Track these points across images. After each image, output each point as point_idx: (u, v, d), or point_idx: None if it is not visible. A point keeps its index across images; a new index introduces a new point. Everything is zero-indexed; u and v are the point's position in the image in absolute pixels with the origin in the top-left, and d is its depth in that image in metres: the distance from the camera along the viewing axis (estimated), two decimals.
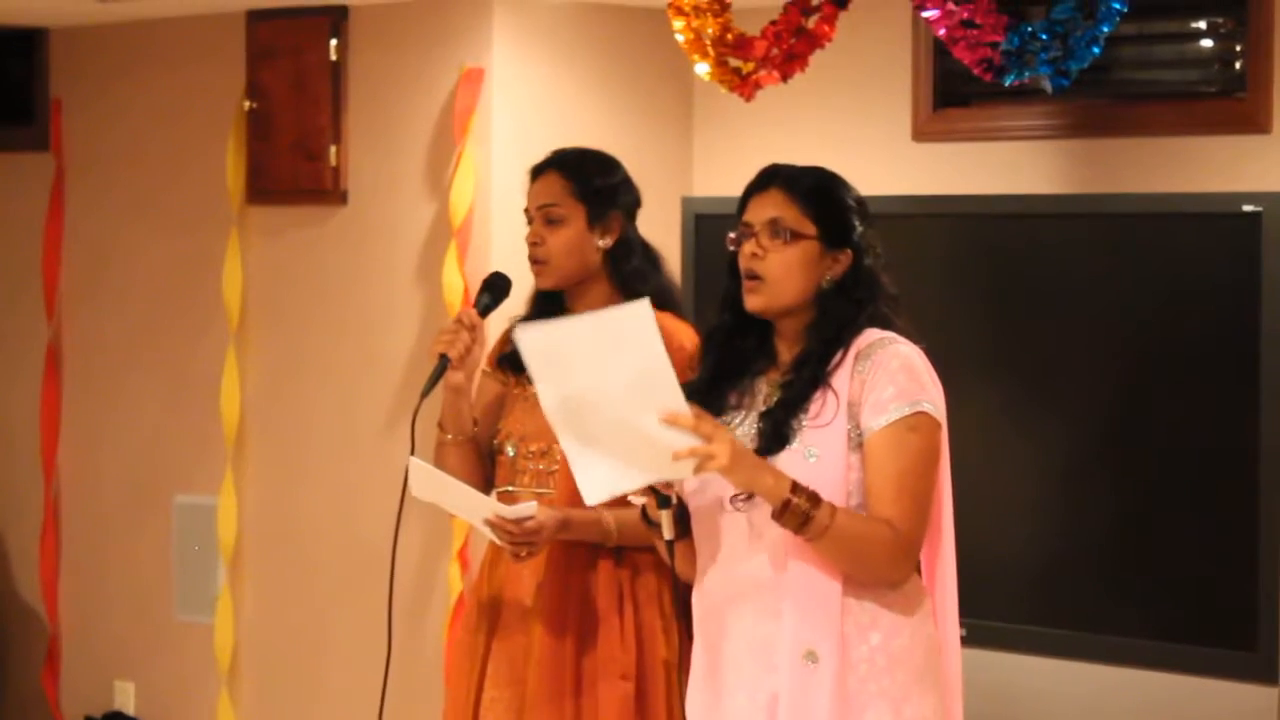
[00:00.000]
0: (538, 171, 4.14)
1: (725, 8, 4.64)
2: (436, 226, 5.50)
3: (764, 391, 3.48)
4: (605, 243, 4.06)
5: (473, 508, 3.94)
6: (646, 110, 5.67)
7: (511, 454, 4.09)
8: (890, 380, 3.36)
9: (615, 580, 4.01)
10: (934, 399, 3.40)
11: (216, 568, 6.00)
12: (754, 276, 3.44)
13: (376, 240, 5.66)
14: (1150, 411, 4.59)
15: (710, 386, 3.49)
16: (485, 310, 4.10)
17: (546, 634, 3.98)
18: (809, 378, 3.40)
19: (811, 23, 4.53)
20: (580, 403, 3.27)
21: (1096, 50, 4.23)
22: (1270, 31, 4.76)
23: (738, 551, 3.42)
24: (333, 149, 5.68)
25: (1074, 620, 4.64)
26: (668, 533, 3.43)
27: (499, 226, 5.35)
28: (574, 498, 3.97)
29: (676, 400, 3.23)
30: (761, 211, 3.46)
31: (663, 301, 3.83)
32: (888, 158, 5.34)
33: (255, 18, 5.83)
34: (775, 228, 3.44)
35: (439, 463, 4.05)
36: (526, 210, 4.12)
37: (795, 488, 3.27)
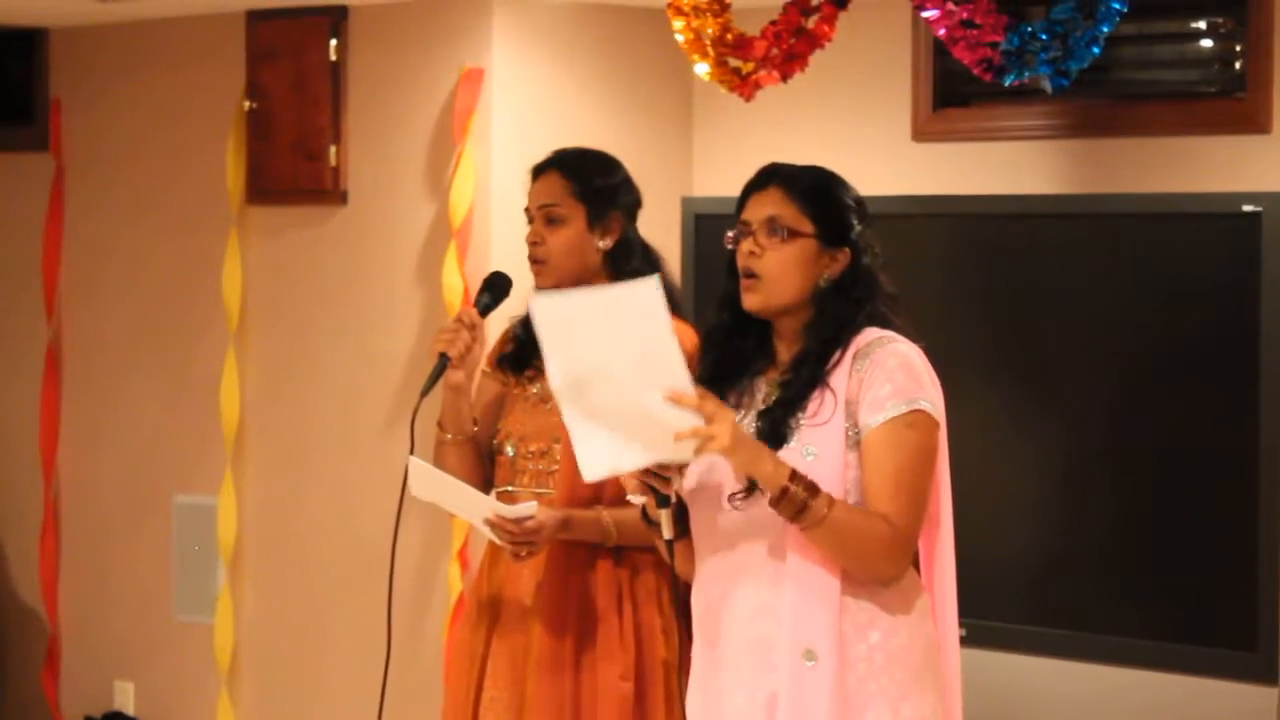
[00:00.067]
0: (539, 171, 4.14)
1: (725, 8, 4.64)
2: (436, 226, 5.50)
3: (763, 391, 3.47)
4: (605, 243, 4.06)
5: (473, 507, 3.94)
6: (646, 110, 5.67)
7: (511, 454, 4.09)
8: (888, 378, 3.36)
9: (614, 580, 4.01)
10: (932, 398, 3.40)
11: (216, 568, 6.00)
12: (751, 275, 3.44)
13: (376, 240, 5.66)
14: (1150, 412, 4.59)
15: (709, 386, 3.48)
16: (485, 310, 4.10)
17: (546, 633, 3.98)
18: (807, 377, 3.40)
19: (811, 23, 4.53)
20: (586, 376, 3.26)
21: (1096, 50, 4.23)
22: (1270, 31, 4.76)
23: (736, 551, 3.42)
24: (333, 149, 5.68)
25: (1074, 620, 4.64)
26: (667, 532, 3.43)
27: (499, 226, 5.35)
28: (573, 498, 3.98)
29: (682, 379, 3.23)
30: (760, 210, 3.46)
31: None
32: (887, 158, 5.34)
33: (255, 18, 5.83)
34: (773, 226, 3.44)
35: (438, 462, 4.06)
36: (527, 210, 4.12)
37: (794, 476, 3.27)
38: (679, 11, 4.62)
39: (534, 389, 4.11)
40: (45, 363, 6.39)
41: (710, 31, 4.60)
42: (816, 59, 4.58)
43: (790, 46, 4.52)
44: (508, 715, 4.03)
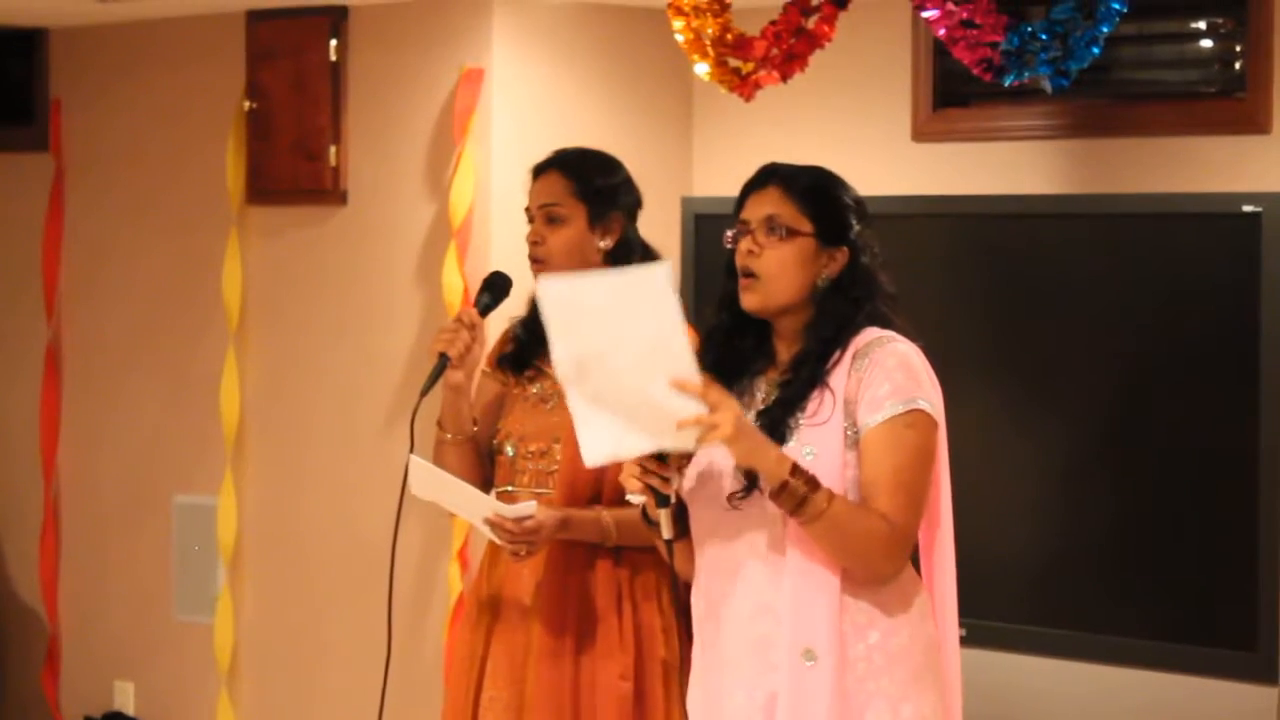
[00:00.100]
0: (539, 171, 4.14)
1: (725, 8, 4.64)
2: (436, 226, 5.50)
3: (763, 391, 3.47)
4: (606, 243, 4.06)
5: (472, 507, 3.94)
6: (646, 110, 5.67)
7: (511, 454, 4.09)
8: (887, 377, 3.36)
9: (614, 580, 4.01)
10: (931, 397, 3.40)
11: (216, 568, 6.00)
12: (749, 274, 3.44)
13: (376, 240, 5.66)
14: (1150, 412, 4.59)
15: None
16: (485, 310, 4.10)
17: (545, 633, 3.98)
18: (807, 377, 3.40)
19: (811, 23, 4.53)
20: (592, 360, 3.24)
21: (1096, 50, 4.23)
22: (1270, 31, 4.76)
23: (736, 550, 3.42)
24: (332, 149, 5.68)
25: (1074, 620, 4.64)
26: (667, 532, 3.42)
27: (499, 226, 5.35)
28: (573, 497, 3.98)
29: (688, 366, 3.22)
30: (758, 209, 3.46)
31: None
32: (887, 158, 5.34)
33: (255, 18, 5.83)
34: (771, 224, 3.44)
35: (438, 462, 4.06)
36: (528, 209, 4.12)
37: (795, 469, 3.27)
38: (679, 11, 4.62)
39: (534, 389, 4.11)
40: (45, 363, 6.39)
41: (710, 31, 4.60)
42: (816, 59, 4.58)
43: (790, 46, 4.52)
44: (507, 715, 4.03)
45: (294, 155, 5.76)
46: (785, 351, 3.48)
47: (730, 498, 3.40)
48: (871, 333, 3.42)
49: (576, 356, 3.26)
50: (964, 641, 3.60)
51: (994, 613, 4.62)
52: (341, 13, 5.66)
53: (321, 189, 5.72)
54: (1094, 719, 4.60)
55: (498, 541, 3.94)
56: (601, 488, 3.98)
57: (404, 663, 5.26)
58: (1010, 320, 4.78)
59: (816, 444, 3.35)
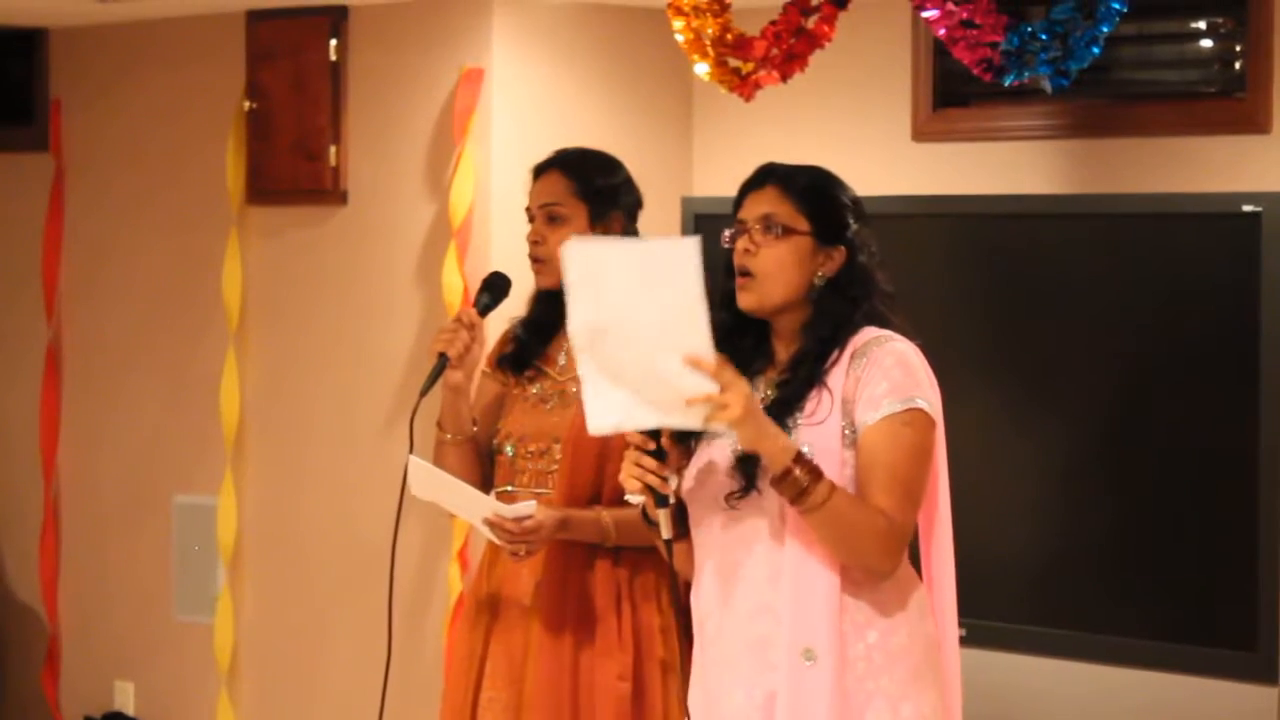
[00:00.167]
0: (540, 170, 4.14)
1: (725, 8, 4.64)
2: (436, 226, 5.50)
3: (761, 391, 3.47)
4: None
5: (472, 507, 3.94)
6: (646, 110, 5.67)
7: (510, 454, 4.09)
8: (885, 376, 3.36)
9: (613, 580, 4.01)
10: (929, 396, 3.39)
11: (216, 568, 6.00)
12: (746, 273, 3.44)
13: (376, 240, 5.66)
14: (1150, 412, 4.59)
15: None
16: (485, 310, 4.10)
17: (544, 633, 3.98)
18: (805, 377, 3.40)
19: (811, 23, 4.53)
20: (607, 328, 3.20)
21: (1096, 50, 4.23)
22: (1270, 31, 4.75)
23: (735, 550, 3.42)
24: (332, 149, 5.68)
25: (1074, 620, 4.64)
26: (666, 532, 3.42)
27: (499, 226, 5.34)
28: (572, 497, 3.98)
29: (703, 343, 3.20)
30: (756, 208, 3.46)
31: None
32: (887, 158, 5.34)
33: (255, 18, 5.83)
34: (768, 223, 3.44)
35: (438, 462, 4.06)
36: (528, 209, 4.12)
37: (799, 457, 3.27)
38: (679, 11, 4.62)
39: (534, 389, 4.11)
40: (45, 363, 6.39)
41: (710, 31, 4.60)
42: (816, 59, 4.58)
43: (790, 46, 4.52)
44: (506, 715, 4.03)
45: (294, 155, 5.76)
46: (783, 351, 3.48)
47: (728, 498, 3.39)
48: (869, 332, 3.42)
49: (593, 322, 3.21)
50: (964, 641, 3.60)
51: (994, 613, 4.62)
52: (341, 13, 5.66)
53: (321, 189, 5.72)
54: (1094, 719, 4.60)
55: (497, 541, 3.94)
56: (601, 488, 3.98)
57: (404, 663, 5.26)
58: (1010, 320, 4.78)
59: (814, 443, 3.35)
